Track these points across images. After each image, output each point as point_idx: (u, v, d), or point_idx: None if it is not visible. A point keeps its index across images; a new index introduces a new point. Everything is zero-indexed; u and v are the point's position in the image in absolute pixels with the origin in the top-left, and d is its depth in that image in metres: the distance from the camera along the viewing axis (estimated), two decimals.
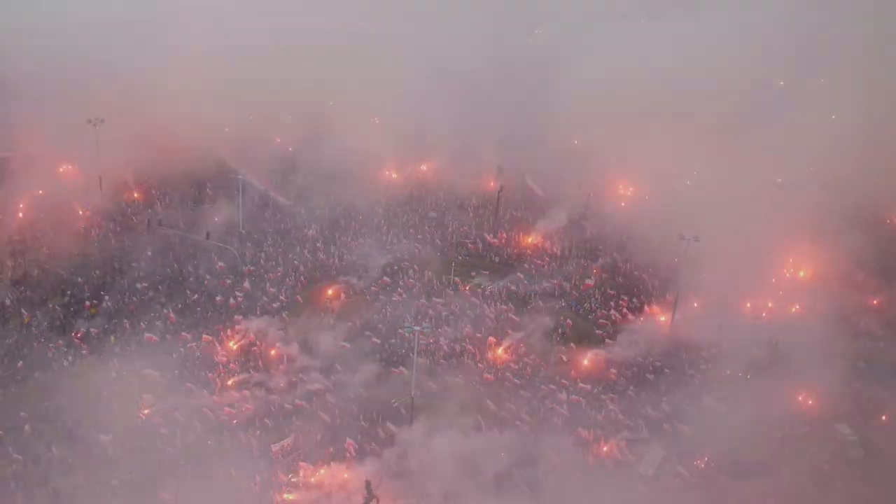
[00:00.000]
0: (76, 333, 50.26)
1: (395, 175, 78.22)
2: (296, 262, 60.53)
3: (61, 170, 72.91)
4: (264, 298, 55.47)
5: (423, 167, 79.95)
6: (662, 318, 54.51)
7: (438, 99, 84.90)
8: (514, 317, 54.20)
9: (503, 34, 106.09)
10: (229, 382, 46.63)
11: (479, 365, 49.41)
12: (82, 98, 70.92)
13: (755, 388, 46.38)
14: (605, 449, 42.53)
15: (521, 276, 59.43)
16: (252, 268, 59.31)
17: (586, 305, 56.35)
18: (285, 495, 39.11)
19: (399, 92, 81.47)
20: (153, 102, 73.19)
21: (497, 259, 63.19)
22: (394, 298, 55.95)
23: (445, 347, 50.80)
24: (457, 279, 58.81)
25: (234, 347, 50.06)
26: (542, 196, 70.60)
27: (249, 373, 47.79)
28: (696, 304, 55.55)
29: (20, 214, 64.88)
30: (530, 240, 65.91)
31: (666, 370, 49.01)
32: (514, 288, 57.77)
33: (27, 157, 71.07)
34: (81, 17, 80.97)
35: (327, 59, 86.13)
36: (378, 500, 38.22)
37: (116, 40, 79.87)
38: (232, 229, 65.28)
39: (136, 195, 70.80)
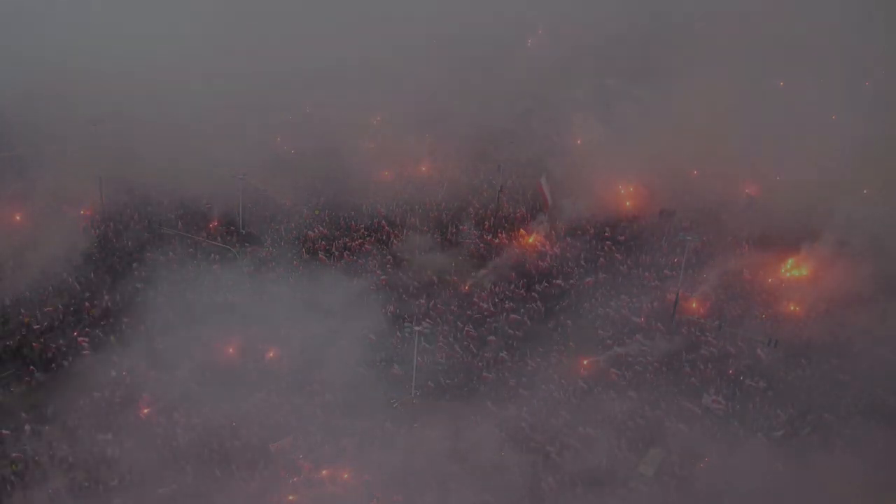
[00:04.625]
0: (76, 333, 50.22)
1: (395, 175, 78.01)
2: (296, 262, 60.58)
3: (62, 170, 72.75)
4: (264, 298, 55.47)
5: (423, 167, 79.79)
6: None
7: (439, 98, 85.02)
8: (514, 315, 54.23)
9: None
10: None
11: (479, 364, 49.41)
12: (82, 97, 70.88)
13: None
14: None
15: (520, 275, 59.32)
16: (252, 268, 59.33)
17: (586, 305, 56.27)
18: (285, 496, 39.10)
19: (400, 91, 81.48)
20: (153, 102, 73.15)
21: (497, 259, 63.10)
22: (393, 298, 55.92)
23: (445, 347, 50.78)
24: (456, 278, 58.79)
25: (233, 351, 50.05)
26: (549, 198, 70.16)
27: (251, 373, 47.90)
28: (694, 304, 55.54)
29: (18, 216, 64.80)
30: (530, 240, 65.80)
31: (667, 370, 48.97)
32: (513, 287, 57.71)
33: (27, 156, 70.97)
34: (81, 18, 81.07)
35: (327, 57, 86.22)
36: (378, 500, 38.24)
37: (116, 39, 79.92)
38: (232, 229, 65.20)
39: (135, 195, 70.55)
